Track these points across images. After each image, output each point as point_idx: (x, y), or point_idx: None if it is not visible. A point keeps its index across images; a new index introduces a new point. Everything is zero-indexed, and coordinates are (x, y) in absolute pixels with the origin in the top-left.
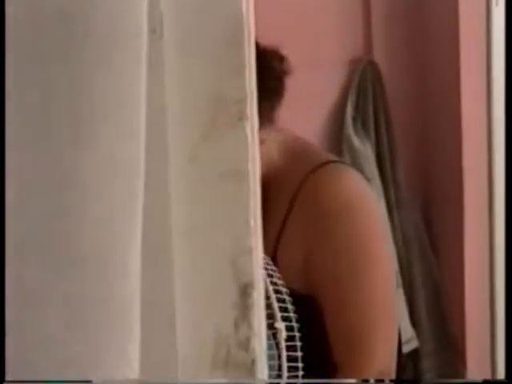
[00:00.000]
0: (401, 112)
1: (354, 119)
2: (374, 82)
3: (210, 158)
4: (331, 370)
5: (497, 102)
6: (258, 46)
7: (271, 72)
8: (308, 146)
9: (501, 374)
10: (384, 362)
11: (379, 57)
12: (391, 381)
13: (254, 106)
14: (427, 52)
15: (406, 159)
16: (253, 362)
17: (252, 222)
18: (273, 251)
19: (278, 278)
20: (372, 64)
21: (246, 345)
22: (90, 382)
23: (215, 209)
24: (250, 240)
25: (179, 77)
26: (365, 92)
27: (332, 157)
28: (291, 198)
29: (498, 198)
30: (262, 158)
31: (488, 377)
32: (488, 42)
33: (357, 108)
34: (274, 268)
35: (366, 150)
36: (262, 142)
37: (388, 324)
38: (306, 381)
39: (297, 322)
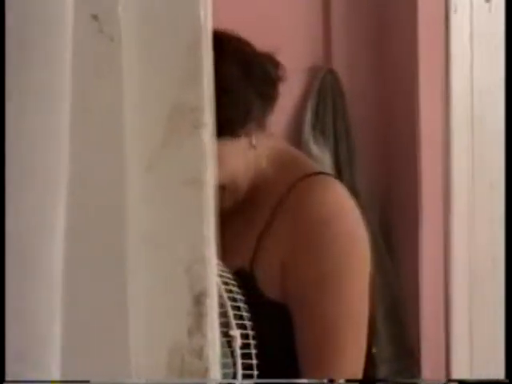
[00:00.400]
0: (360, 120)
1: (313, 127)
2: (334, 90)
3: (168, 166)
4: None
5: (456, 107)
6: (253, 51)
7: (265, 78)
8: (297, 156)
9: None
10: (352, 373)
11: (339, 65)
12: (361, 381)
13: (211, 113)
14: (387, 61)
15: (366, 166)
16: (206, 370)
17: (205, 231)
18: (251, 257)
19: (233, 286)
20: (331, 72)
21: (199, 353)
22: (87, 382)
23: (172, 217)
24: (203, 249)
25: (138, 85)
26: (324, 100)
27: (320, 168)
28: (275, 206)
29: (455, 205)
30: (250, 164)
31: None
32: (447, 48)
33: (316, 116)
34: (229, 276)
35: (324, 157)
36: (252, 148)
37: (359, 337)
38: (263, 380)
39: (269, 328)
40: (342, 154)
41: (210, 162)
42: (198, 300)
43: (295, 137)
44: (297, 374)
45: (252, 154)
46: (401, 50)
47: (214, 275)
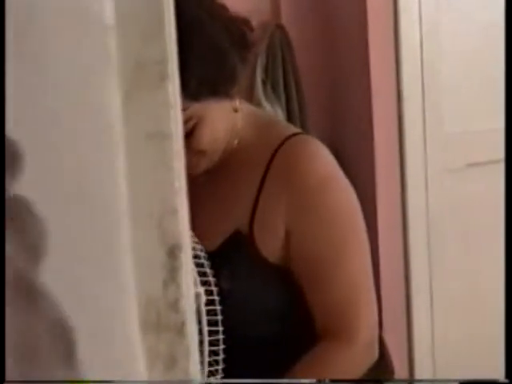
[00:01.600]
0: (310, 75)
1: (264, 83)
2: (283, 46)
3: (133, 121)
4: (312, 340)
5: (406, 55)
6: (231, 14)
7: (243, 41)
8: (270, 118)
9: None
10: (370, 334)
11: (287, 20)
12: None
13: (175, 66)
14: (335, 14)
15: (316, 122)
16: (183, 323)
17: (177, 183)
18: (249, 220)
19: (196, 243)
20: (280, 28)
21: (175, 306)
22: (111, 382)
23: (140, 171)
24: (175, 201)
25: (100, 41)
26: (274, 56)
27: (296, 129)
28: (263, 171)
29: (409, 157)
30: (230, 127)
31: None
32: (395, 4)
33: (266, 72)
34: (190, 233)
35: (276, 113)
36: (234, 111)
37: (371, 297)
38: (235, 381)
39: (268, 290)
40: (293, 111)
41: (175, 113)
42: (172, 253)
43: (247, 94)
44: (297, 337)
45: (233, 117)
46: (350, 5)
47: (186, 228)
